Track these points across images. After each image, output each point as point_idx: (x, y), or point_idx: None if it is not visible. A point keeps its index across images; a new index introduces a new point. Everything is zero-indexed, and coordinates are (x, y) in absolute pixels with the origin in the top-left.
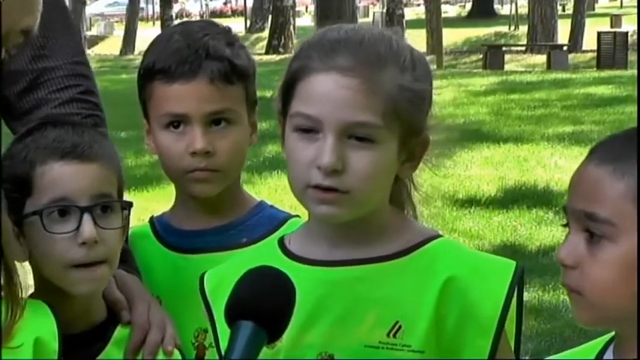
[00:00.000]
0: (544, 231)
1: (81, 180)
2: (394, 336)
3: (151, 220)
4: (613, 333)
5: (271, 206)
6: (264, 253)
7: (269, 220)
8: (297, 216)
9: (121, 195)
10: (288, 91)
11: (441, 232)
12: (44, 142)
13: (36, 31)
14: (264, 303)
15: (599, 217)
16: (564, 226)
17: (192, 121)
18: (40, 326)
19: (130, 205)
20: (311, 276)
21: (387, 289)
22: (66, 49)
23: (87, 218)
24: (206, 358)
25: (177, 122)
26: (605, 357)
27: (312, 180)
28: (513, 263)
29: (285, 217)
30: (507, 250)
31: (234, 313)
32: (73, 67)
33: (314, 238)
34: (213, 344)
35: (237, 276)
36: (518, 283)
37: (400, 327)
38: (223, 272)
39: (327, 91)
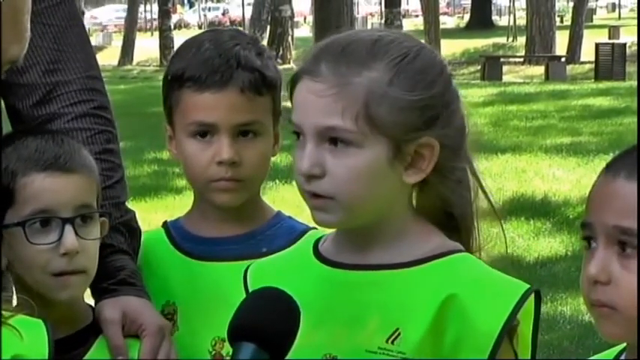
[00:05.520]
0: (542, 242)
1: (63, 192)
2: (392, 342)
3: (165, 225)
4: (623, 345)
5: (289, 217)
6: (300, 251)
7: (288, 231)
8: (315, 228)
9: (98, 202)
10: (290, 99)
11: (462, 247)
12: (26, 152)
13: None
14: (266, 326)
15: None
16: (586, 240)
17: (221, 131)
18: (20, 344)
19: (109, 214)
20: (328, 276)
21: (394, 296)
22: (79, 63)
23: (68, 229)
24: None
25: (203, 132)
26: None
27: (301, 186)
28: (525, 286)
29: (304, 230)
30: (505, 261)
31: (236, 334)
32: (87, 81)
33: (339, 240)
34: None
35: (278, 271)
36: (536, 312)
37: (399, 334)
38: (266, 266)
39: (301, 97)
